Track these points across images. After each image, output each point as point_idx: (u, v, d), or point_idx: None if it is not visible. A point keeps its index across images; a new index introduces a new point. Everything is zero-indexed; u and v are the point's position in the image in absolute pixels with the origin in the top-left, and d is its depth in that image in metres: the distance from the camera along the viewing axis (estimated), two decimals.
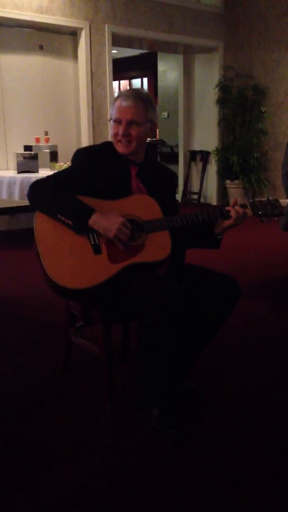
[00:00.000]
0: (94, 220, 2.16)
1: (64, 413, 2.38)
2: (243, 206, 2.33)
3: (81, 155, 2.35)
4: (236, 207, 2.31)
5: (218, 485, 1.88)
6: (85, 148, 2.47)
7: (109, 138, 2.43)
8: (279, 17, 8.24)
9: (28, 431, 2.24)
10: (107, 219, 2.16)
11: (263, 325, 3.46)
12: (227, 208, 2.31)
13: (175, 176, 2.55)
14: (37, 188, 2.27)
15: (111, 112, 2.37)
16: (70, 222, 2.18)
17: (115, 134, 2.33)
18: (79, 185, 2.27)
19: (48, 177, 2.33)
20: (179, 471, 1.96)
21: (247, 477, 1.93)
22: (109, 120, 2.37)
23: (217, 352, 2.91)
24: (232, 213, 2.29)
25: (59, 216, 2.19)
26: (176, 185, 2.57)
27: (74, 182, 2.28)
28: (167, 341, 2.09)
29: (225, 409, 2.40)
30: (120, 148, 2.34)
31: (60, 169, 5.48)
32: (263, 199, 2.37)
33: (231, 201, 2.36)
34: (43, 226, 2.23)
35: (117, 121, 2.31)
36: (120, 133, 2.31)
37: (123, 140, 2.32)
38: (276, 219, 2.37)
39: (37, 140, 6.93)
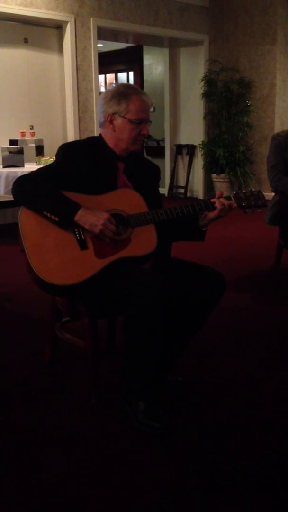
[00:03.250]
0: (80, 216, 2.16)
1: (50, 406, 2.39)
2: (227, 198, 2.34)
3: (66, 151, 2.33)
4: (221, 199, 2.32)
5: (206, 476, 1.90)
6: (70, 143, 2.46)
7: (108, 134, 2.33)
8: (265, 10, 8.26)
9: (16, 423, 2.24)
10: (92, 215, 2.16)
11: (249, 317, 3.49)
12: (212, 200, 2.33)
13: (158, 170, 2.55)
14: (21, 184, 2.25)
15: (119, 109, 2.25)
16: (56, 218, 2.17)
17: (139, 135, 2.29)
18: (64, 180, 2.26)
19: (32, 172, 2.31)
20: (166, 461, 1.98)
21: (236, 467, 1.95)
22: (121, 117, 2.26)
23: (203, 345, 2.93)
24: (217, 205, 2.31)
25: (44, 212, 2.19)
26: (159, 178, 2.57)
27: (59, 177, 2.26)
28: (152, 334, 2.10)
29: (212, 401, 2.42)
30: (135, 146, 2.33)
31: (46, 163, 5.47)
32: (247, 191, 2.38)
33: (217, 194, 2.38)
34: (28, 223, 2.22)
35: (144, 121, 2.28)
36: (147, 132, 2.29)
37: (142, 139, 2.32)
38: (259, 210, 2.39)
39: (23, 134, 6.89)
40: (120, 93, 2.27)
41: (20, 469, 1.96)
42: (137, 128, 2.28)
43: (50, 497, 1.81)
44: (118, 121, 2.28)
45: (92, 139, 2.42)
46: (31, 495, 1.82)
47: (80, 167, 2.28)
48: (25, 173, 2.33)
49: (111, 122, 2.30)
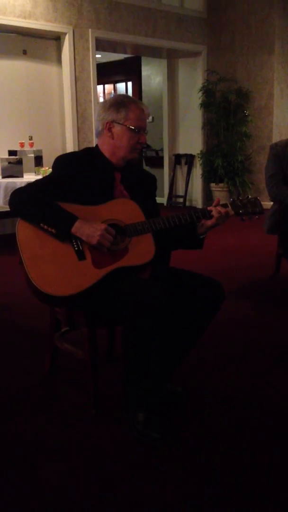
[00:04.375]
0: (77, 228, 2.16)
1: (49, 416, 2.38)
2: (224, 205, 2.35)
3: (62, 162, 2.34)
4: (218, 207, 2.33)
5: (207, 486, 1.89)
6: (66, 154, 2.46)
7: (106, 144, 2.34)
8: (262, 21, 8.32)
9: (15, 433, 2.23)
10: (89, 226, 2.16)
11: (248, 326, 3.48)
12: (209, 208, 2.33)
13: (154, 179, 2.56)
14: (18, 196, 2.25)
15: (118, 117, 2.28)
16: (53, 230, 2.18)
17: (137, 143, 2.32)
18: (60, 191, 2.26)
19: (29, 184, 2.31)
20: (165, 471, 1.97)
21: (237, 477, 1.94)
22: (120, 125, 2.29)
23: (202, 355, 2.92)
24: (214, 213, 2.31)
25: (41, 224, 2.19)
26: (155, 188, 2.58)
27: (56, 188, 2.27)
28: (151, 344, 2.10)
29: (211, 411, 2.41)
30: (133, 155, 2.35)
31: (45, 174, 5.47)
32: (243, 198, 2.39)
33: (214, 202, 2.38)
34: (26, 234, 2.22)
35: (142, 129, 2.32)
36: (145, 140, 2.33)
37: (140, 147, 2.35)
38: (257, 217, 2.39)
39: (22, 145, 6.91)
40: (119, 101, 2.30)
41: (20, 479, 1.95)
42: (136, 136, 2.30)
43: (50, 507, 1.81)
44: (117, 128, 2.30)
45: (88, 150, 2.43)
46: (31, 505, 1.81)
47: (77, 178, 2.29)
48: (23, 185, 2.33)
49: (109, 130, 2.31)
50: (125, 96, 2.37)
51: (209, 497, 1.85)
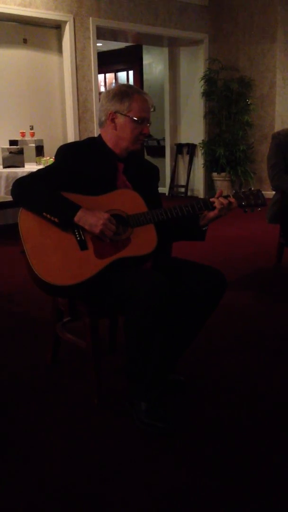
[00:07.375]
0: (80, 217, 2.16)
1: (52, 406, 2.38)
2: (227, 197, 2.34)
3: (65, 151, 2.33)
4: (221, 199, 2.32)
5: (209, 476, 1.90)
6: (69, 144, 2.46)
7: (106, 134, 2.33)
8: (264, 8, 8.25)
9: (17, 423, 2.24)
10: (92, 215, 2.16)
11: (250, 316, 3.48)
12: (211, 199, 2.32)
13: (157, 170, 2.55)
14: (21, 185, 2.24)
15: (121, 107, 2.26)
16: (56, 219, 2.17)
17: (140, 134, 2.31)
18: (63, 181, 2.26)
19: (31, 174, 2.30)
20: (168, 461, 1.98)
21: (238, 467, 1.95)
22: (123, 115, 2.27)
23: (204, 344, 2.92)
24: (217, 204, 2.30)
25: (44, 213, 2.18)
26: (158, 178, 2.56)
27: (58, 178, 2.26)
28: (153, 334, 2.10)
29: (213, 401, 2.41)
30: (136, 146, 2.34)
31: (46, 164, 5.46)
32: (246, 190, 2.38)
33: (216, 193, 2.37)
34: (28, 223, 2.22)
35: (146, 120, 2.30)
36: (148, 131, 2.31)
37: (142, 138, 2.33)
38: (259, 209, 2.38)
39: (23, 134, 6.90)
40: (123, 92, 2.28)
41: (22, 470, 1.96)
42: (139, 127, 2.29)
43: (52, 497, 1.81)
44: (120, 119, 2.29)
45: (91, 140, 2.42)
46: (33, 496, 1.82)
47: (80, 167, 2.28)
48: (24, 174, 2.33)
49: (112, 120, 2.30)
50: (129, 86, 2.34)
51: (211, 487, 1.85)
